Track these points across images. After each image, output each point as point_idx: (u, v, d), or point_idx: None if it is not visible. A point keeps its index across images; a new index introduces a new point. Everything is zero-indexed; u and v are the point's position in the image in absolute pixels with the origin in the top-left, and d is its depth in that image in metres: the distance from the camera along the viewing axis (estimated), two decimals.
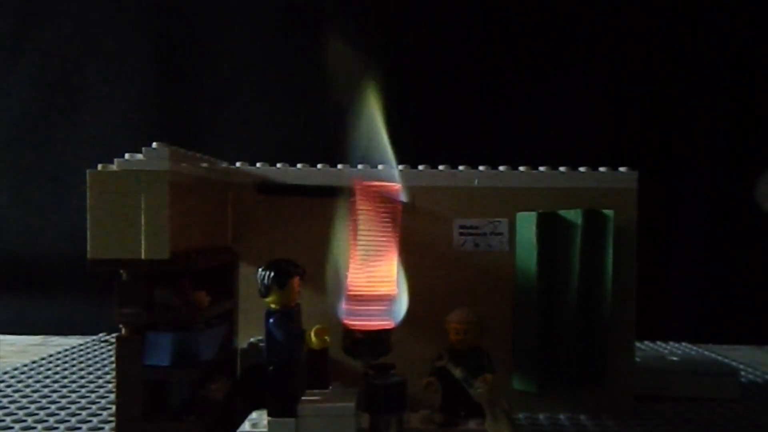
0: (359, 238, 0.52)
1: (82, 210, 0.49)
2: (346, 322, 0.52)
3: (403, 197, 0.55)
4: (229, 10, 1.13)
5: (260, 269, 0.49)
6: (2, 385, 0.74)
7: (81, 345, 0.95)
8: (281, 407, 0.48)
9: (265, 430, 0.48)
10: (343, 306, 0.52)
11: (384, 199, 0.53)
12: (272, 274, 0.49)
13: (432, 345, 0.57)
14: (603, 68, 1.11)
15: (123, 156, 0.49)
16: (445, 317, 0.56)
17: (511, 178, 0.66)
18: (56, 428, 0.60)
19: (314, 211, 0.64)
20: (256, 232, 0.65)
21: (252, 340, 0.61)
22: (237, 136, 1.13)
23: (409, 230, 0.62)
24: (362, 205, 0.52)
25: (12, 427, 0.59)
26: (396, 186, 0.54)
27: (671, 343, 1.03)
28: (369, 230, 0.52)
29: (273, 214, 0.65)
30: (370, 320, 0.52)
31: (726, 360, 0.88)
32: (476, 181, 0.65)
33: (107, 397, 0.69)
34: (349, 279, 0.52)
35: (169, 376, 0.51)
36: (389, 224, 0.53)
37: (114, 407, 0.50)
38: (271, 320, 0.48)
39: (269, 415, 0.48)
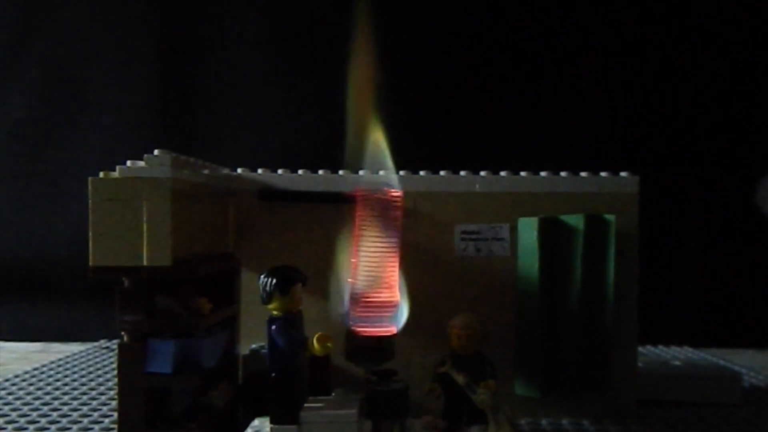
0: (362, 244, 0.52)
1: (83, 217, 0.49)
2: (352, 328, 0.52)
3: (396, 191, 0.54)
4: (231, 18, 1.13)
5: (262, 276, 0.49)
6: (3, 392, 0.73)
7: (82, 352, 0.95)
8: (283, 414, 0.47)
9: None
10: (348, 312, 0.52)
11: (384, 205, 0.53)
12: (274, 280, 0.48)
13: (434, 351, 0.58)
14: (604, 73, 1.11)
15: (124, 163, 0.49)
16: (448, 323, 0.56)
17: (513, 184, 0.66)
18: None
19: (316, 218, 0.64)
20: (257, 239, 0.65)
21: (254, 346, 0.61)
22: (238, 143, 1.13)
23: (410, 236, 0.62)
24: (363, 213, 0.52)
25: None
26: (396, 192, 0.54)
27: (673, 347, 1.03)
28: (371, 237, 0.52)
29: (274, 220, 0.65)
30: (374, 326, 0.52)
31: (728, 364, 0.88)
32: (477, 187, 0.65)
33: (109, 404, 0.69)
34: (352, 285, 0.52)
35: (171, 383, 0.50)
36: (392, 230, 0.53)
37: (115, 414, 0.50)
38: (273, 327, 0.48)
39: (271, 422, 0.48)
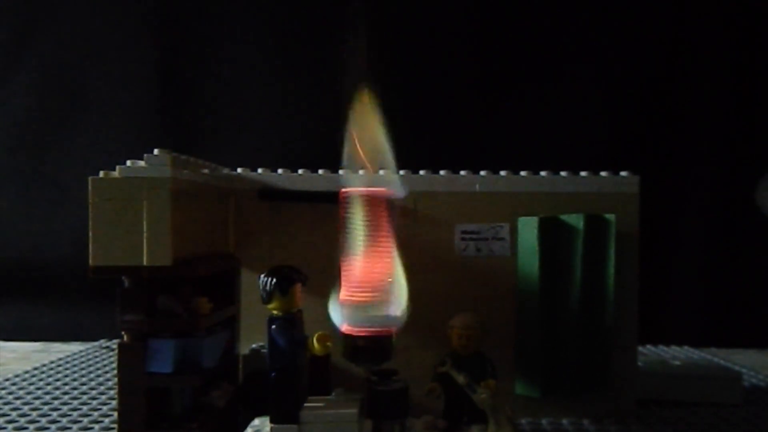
0: (349, 243, 0.52)
1: (83, 216, 0.49)
2: (343, 329, 0.51)
3: (398, 195, 0.54)
4: (230, 17, 1.13)
5: (262, 275, 0.49)
6: (3, 392, 0.73)
7: (82, 351, 0.95)
8: (283, 414, 0.47)
9: None
10: (340, 312, 0.51)
11: (371, 204, 0.52)
12: (274, 280, 0.48)
13: (434, 350, 0.58)
14: (604, 72, 1.11)
15: (125, 162, 0.49)
16: (448, 323, 0.56)
17: (513, 183, 0.66)
18: None
19: (316, 218, 0.64)
20: (257, 239, 0.65)
21: (254, 346, 0.61)
22: (238, 142, 1.13)
23: (410, 235, 0.62)
24: (349, 212, 0.52)
25: None
26: (387, 190, 0.53)
27: (673, 347, 1.03)
28: (358, 236, 0.52)
29: (274, 220, 0.65)
30: (366, 327, 0.51)
31: (728, 364, 0.88)
32: (477, 186, 0.65)
33: (109, 404, 0.69)
34: (342, 285, 0.52)
35: (171, 383, 0.50)
36: (380, 229, 0.52)
37: (115, 414, 0.50)
38: (273, 326, 0.48)
39: (271, 421, 0.48)
